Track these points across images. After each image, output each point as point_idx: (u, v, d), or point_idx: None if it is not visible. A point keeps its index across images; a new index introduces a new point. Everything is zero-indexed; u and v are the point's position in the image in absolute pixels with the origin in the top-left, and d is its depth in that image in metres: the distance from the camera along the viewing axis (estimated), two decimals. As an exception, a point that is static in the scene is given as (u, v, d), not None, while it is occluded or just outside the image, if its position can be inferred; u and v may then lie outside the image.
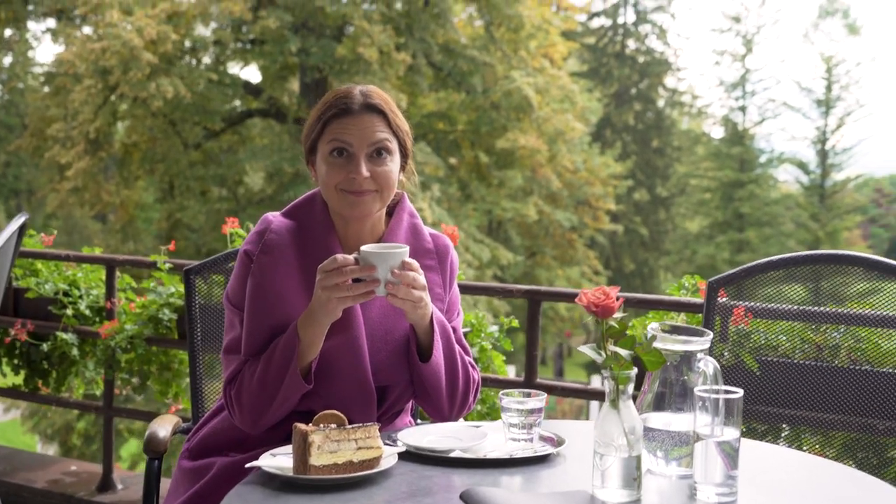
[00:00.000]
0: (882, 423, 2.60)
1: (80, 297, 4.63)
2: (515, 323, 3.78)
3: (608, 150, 28.91)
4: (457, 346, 2.30)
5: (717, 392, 1.71)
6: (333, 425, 1.89)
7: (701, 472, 1.74)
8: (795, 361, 2.78)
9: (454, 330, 2.35)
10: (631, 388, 1.74)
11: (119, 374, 4.47)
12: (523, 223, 23.08)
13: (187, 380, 4.37)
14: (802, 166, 32.17)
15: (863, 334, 2.79)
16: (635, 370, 1.74)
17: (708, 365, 1.86)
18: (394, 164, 2.24)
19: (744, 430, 2.37)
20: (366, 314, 2.24)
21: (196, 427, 2.41)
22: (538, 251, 24.13)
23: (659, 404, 1.87)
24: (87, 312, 4.59)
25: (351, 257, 2.07)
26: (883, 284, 2.59)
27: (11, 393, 4.99)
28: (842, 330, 2.85)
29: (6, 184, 28.62)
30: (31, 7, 20.21)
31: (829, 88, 31.66)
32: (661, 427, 1.87)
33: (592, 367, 22.56)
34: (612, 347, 1.74)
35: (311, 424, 1.91)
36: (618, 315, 1.76)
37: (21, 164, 27.34)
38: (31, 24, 23.65)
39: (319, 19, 18.99)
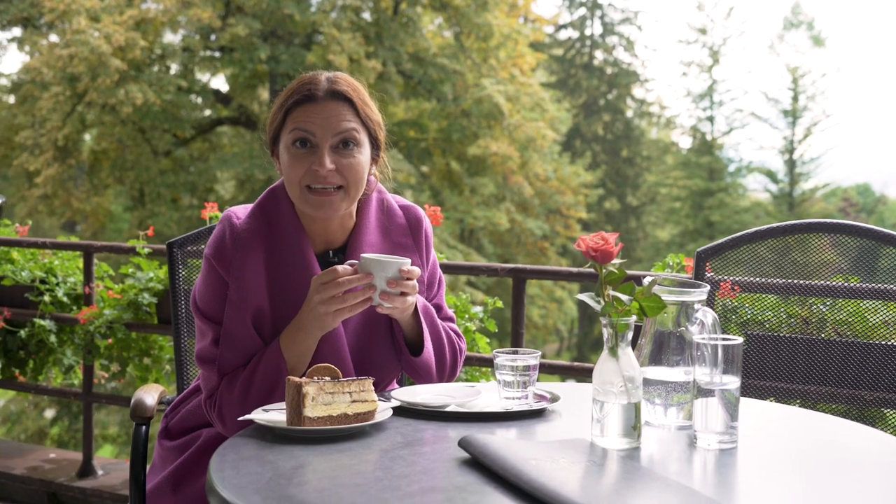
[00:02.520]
0: (869, 393, 2.61)
1: (58, 284, 4.58)
2: (500, 304, 3.77)
3: (578, 159, 29.02)
4: (441, 325, 2.26)
5: (716, 340, 1.71)
6: (327, 378, 1.87)
7: (701, 421, 1.73)
8: (782, 335, 2.79)
9: (438, 307, 2.32)
10: (630, 335, 1.73)
11: (98, 361, 4.42)
12: (495, 231, 23.08)
13: (168, 366, 4.34)
14: (771, 175, 32.46)
15: (849, 307, 2.80)
16: (634, 317, 1.73)
17: (706, 315, 1.85)
18: (362, 156, 2.11)
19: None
20: None
21: (172, 405, 2.37)
22: (510, 259, 24.12)
23: (656, 357, 1.86)
24: (65, 300, 4.55)
25: (349, 268, 2.01)
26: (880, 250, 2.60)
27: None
28: (828, 303, 2.86)
29: (-27, 193, 28.31)
30: (-5, 16, 20.02)
31: (795, 99, 31.98)
32: (658, 378, 1.86)
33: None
34: (611, 292, 1.73)
35: (304, 377, 1.89)
36: (616, 261, 1.75)
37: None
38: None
39: (289, 27, 18.94)
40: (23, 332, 4.50)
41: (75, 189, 20.29)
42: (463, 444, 1.66)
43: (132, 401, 2.36)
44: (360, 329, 2.18)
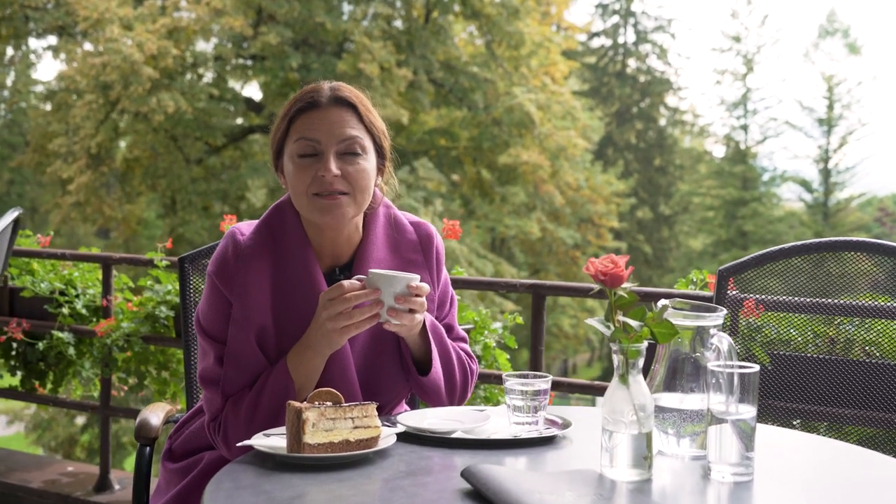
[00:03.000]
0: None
1: (77, 296, 4.57)
2: (520, 320, 3.70)
3: (610, 168, 28.89)
4: (451, 345, 2.20)
5: (731, 367, 1.64)
6: (329, 403, 1.81)
7: (715, 451, 1.66)
8: (808, 355, 2.71)
9: (449, 328, 2.26)
10: (641, 362, 1.65)
11: (116, 374, 4.39)
12: (526, 240, 22.99)
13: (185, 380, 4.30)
14: (805, 184, 32.15)
15: (878, 327, 2.72)
16: (645, 343, 1.66)
17: (722, 341, 1.78)
18: (368, 163, 2.07)
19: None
20: None
21: (177, 426, 2.32)
22: (542, 268, 24.03)
23: (670, 384, 1.79)
24: (84, 311, 4.53)
25: (357, 283, 1.96)
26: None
27: (9, 393, 4.92)
28: (856, 322, 2.78)
29: (10, 202, 28.59)
30: (31, 24, 20.20)
31: (830, 107, 31.69)
32: (672, 406, 1.79)
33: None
34: (621, 318, 1.66)
35: (305, 402, 1.83)
36: (627, 285, 1.68)
37: (24, 181, 27.34)
38: (32, 42, 23.68)
39: (320, 35, 18.99)
40: (41, 344, 4.48)
41: (108, 196, 20.44)
42: (466, 474, 1.60)
43: (137, 420, 2.31)
44: (367, 348, 2.12)
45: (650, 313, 1.67)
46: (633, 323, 1.63)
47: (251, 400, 2.00)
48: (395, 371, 2.16)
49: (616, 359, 1.66)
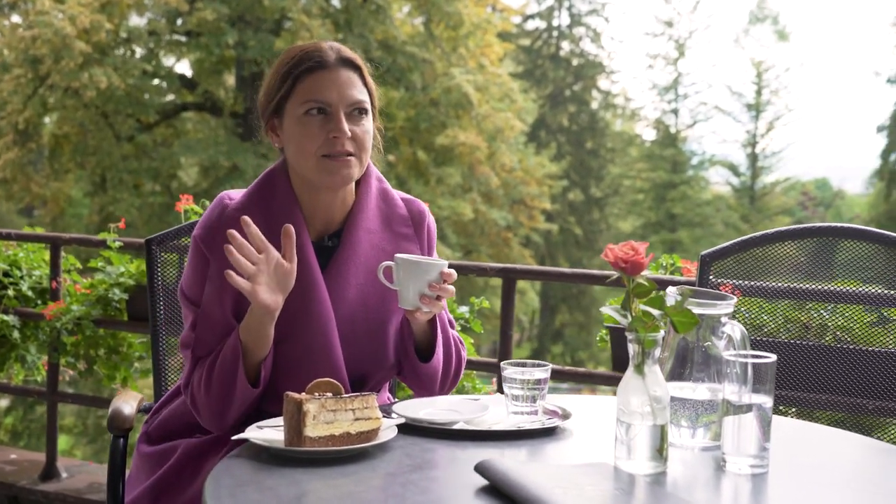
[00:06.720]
0: (872, 402, 2.53)
1: (22, 277, 4.40)
2: (486, 304, 3.65)
3: (543, 150, 29.00)
4: (449, 331, 2.18)
5: (748, 357, 1.61)
6: (329, 394, 1.74)
7: (732, 443, 1.62)
8: (781, 340, 2.71)
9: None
10: (657, 352, 1.61)
11: (64, 358, 4.24)
12: (459, 221, 22.99)
13: (136, 364, 4.19)
14: (733, 169, 32.67)
15: (851, 313, 2.73)
16: (662, 332, 1.61)
17: (734, 329, 1.75)
18: (370, 124, 2.07)
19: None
20: (340, 302, 2.05)
21: (154, 409, 2.25)
22: (474, 249, 24.05)
23: (678, 374, 1.75)
24: (30, 294, 4.37)
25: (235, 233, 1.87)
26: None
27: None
28: (830, 308, 2.78)
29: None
30: (-44, -4, 19.61)
31: (759, 93, 32.19)
32: (683, 396, 1.75)
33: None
34: (640, 307, 1.61)
35: (304, 393, 1.76)
36: (646, 272, 1.63)
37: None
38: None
39: (257, 12, 18.68)
40: (-18, 328, 4.32)
41: (35, 174, 19.97)
42: (480, 469, 1.54)
43: (109, 411, 2.21)
44: (351, 332, 2.07)
45: (671, 304, 1.62)
46: (654, 311, 1.59)
47: (210, 362, 1.97)
48: (383, 355, 2.11)
49: (632, 349, 1.61)
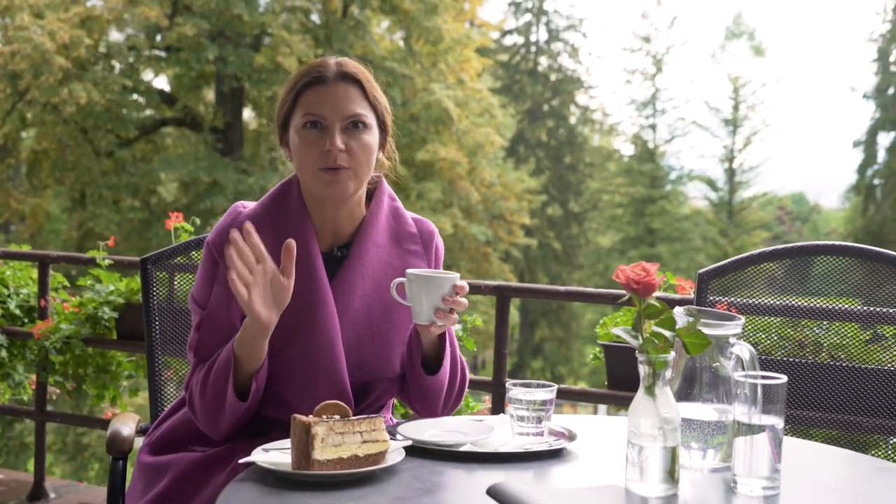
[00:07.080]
0: (867, 419, 2.54)
1: (9, 296, 4.36)
2: (479, 321, 3.65)
3: (522, 165, 29.08)
4: (457, 348, 2.18)
5: (758, 378, 1.61)
6: (337, 416, 1.73)
7: (743, 464, 1.61)
8: (775, 358, 2.72)
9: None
10: (668, 373, 1.60)
11: (52, 378, 4.21)
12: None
13: (125, 383, 4.16)
14: (711, 183, 32.86)
15: (847, 331, 2.74)
16: (673, 354, 1.61)
17: (743, 350, 1.74)
18: (371, 138, 2.07)
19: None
20: (345, 310, 2.06)
21: (157, 422, 2.24)
22: (453, 264, 24.01)
23: (687, 394, 1.75)
24: (17, 312, 4.33)
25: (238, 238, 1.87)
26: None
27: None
28: (825, 326, 2.79)
29: None
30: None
31: (736, 108, 32.44)
32: (692, 417, 1.75)
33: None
34: (652, 328, 1.61)
35: (311, 416, 1.75)
36: (657, 293, 1.63)
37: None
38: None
39: (237, 28, 18.70)
40: (-30, 347, 4.28)
41: (13, 189, 19.85)
42: (492, 492, 1.54)
43: (108, 433, 2.19)
44: (361, 332, 2.08)
45: (681, 325, 1.62)
46: (665, 332, 1.59)
47: (209, 366, 1.99)
48: (386, 365, 2.11)
49: (642, 370, 1.61)
